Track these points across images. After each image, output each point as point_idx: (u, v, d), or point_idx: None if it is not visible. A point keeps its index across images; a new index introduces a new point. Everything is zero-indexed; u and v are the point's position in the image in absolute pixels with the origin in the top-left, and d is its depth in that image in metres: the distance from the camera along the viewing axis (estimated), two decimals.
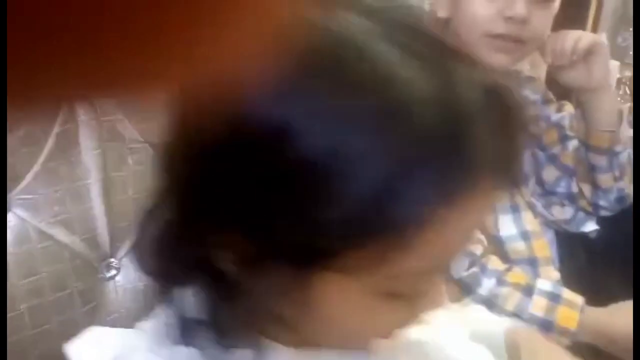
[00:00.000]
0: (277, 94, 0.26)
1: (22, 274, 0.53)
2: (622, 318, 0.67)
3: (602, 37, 0.76)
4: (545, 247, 0.79)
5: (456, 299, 0.66)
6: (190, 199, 0.30)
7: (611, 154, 0.77)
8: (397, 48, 0.27)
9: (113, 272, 0.60)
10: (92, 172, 0.54)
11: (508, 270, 0.70)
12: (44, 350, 0.56)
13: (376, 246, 0.27)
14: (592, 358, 0.67)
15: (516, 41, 0.69)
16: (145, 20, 0.11)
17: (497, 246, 0.74)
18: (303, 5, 0.28)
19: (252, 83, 0.26)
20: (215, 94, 0.28)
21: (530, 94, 0.84)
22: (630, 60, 1.77)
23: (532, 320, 0.67)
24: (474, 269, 0.68)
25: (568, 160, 0.82)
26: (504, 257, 0.74)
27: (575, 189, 0.82)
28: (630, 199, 0.81)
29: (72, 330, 0.57)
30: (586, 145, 0.77)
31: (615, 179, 0.78)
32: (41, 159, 0.51)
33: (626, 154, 0.78)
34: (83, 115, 0.53)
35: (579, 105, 0.78)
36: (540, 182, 0.83)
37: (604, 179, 0.78)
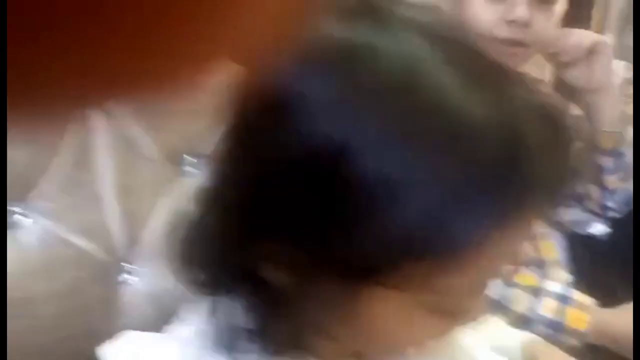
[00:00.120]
0: (339, 112, 0.27)
1: (42, 280, 0.54)
2: (632, 319, 0.68)
3: (606, 37, 0.77)
4: (553, 249, 0.80)
5: None
6: (244, 210, 0.30)
7: (617, 154, 0.77)
8: (458, 71, 0.28)
9: (129, 277, 0.61)
10: (109, 180, 0.56)
11: (515, 272, 0.71)
12: (64, 354, 0.57)
13: (428, 264, 0.28)
14: None
15: (519, 44, 0.70)
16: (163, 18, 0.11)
17: None
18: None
19: (314, 98, 0.27)
20: (271, 103, 0.29)
21: None
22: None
23: (542, 322, 0.68)
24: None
25: (576, 162, 0.82)
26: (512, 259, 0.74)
27: (584, 190, 0.83)
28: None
29: (91, 334, 0.58)
30: (592, 146, 0.78)
31: (622, 180, 0.79)
32: (60, 167, 0.53)
33: (631, 154, 0.79)
34: (100, 124, 0.55)
35: (584, 106, 0.79)
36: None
37: (611, 180, 0.79)
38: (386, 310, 0.30)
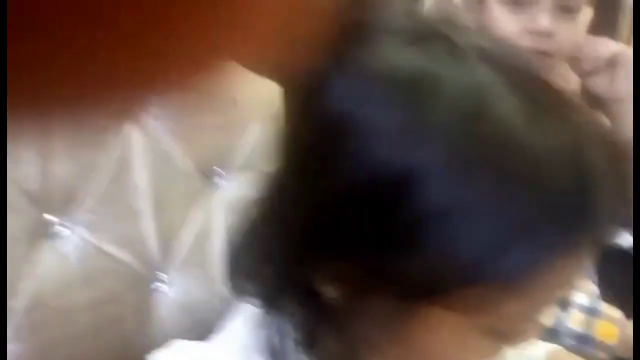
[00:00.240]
0: (404, 139, 0.28)
1: (81, 289, 0.57)
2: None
3: (627, 48, 0.77)
4: None
5: None
6: (304, 226, 0.31)
7: None
8: (523, 100, 0.28)
9: (164, 287, 0.63)
10: (145, 193, 0.58)
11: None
12: None
13: (488, 288, 0.28)
14: None
15: (543, 54, 0.71)
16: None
17: None
18: None
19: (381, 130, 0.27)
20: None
21: None
22: None
23: (569, 334, 0.67)
24: None
25: None
26: None
27: None
28: None
29: (126, 343, 0.61)
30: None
31: None
32: (99, 182, 0.55)
33: None
34: (137, 140, 0.57)
35: (608, 114, 0.79)
36: None
37: None
38: (440, 331, 0.31)
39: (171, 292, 0.64)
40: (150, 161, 0.58)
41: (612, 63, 0.75)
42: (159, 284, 0.62)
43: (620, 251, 0.84)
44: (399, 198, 0.27)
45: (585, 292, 0.73)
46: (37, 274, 0.54)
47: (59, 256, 0.55)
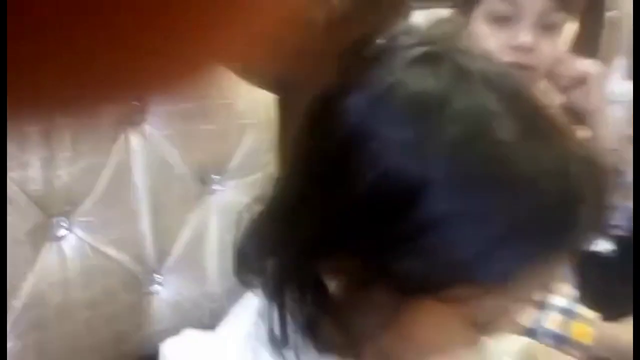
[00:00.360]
0: (410, 153, 0.30)
1: (79, 288, 0.58)
2: (633, 324, 0.70)
3: (596, 66, 0.81)
4: None
5: None
6: (313, 223, 0.33)
7: (618, 172, 0.81)
8: (519, 123, 0.31)
9: (158, 287, 0.65)
10: (143, 197, 0.60)
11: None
12: (96, 358, 0.61)
13: (475, 286, 0.31)
14: None
15: (524, 68, 0.74)
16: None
17: None
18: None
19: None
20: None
21: None
22: None
23: (547, 335, 0.70)
24: None
25: None
26: None
27: None
28: None
29: (122, 340, 0.63)
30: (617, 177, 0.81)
31: (623, 198, 0.82)
32: (100, 185, 0.57)
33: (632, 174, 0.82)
34: (137, 146, 0.60)
35: (588, 126, 0.83)
36: None
37: (614, 197, 0.82)
38: (429, 322, 0.34)
39: (165, 292, 0.66)
40: (148, 166, 0.60)
41: (584, 80, 0.78)
42: (153, 284, 0.64)
43: (598, 256, 0.87)
44: (403, 204, 0.30)
45: (563, 295, 0.77)
46: (37, 273, 0.55)
47: (59, 256, 0.57)
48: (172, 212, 0.63)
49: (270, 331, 0.36)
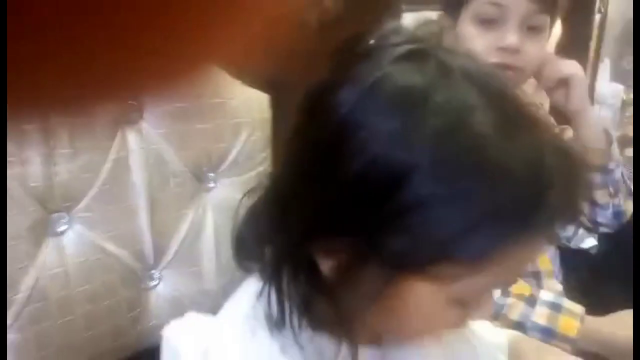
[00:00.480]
0: (397, 141, 0.33)
1: (79, 282, 0.60)
2: (621, 326, 0.72)
3: (578, 68, 0.83)
4: (547, 261, 0.85)
5: None
6: (306, 211, 0.35)
7: (604, 171, 0.83)
8: (498, 116, 0.34)
9: (155, 282, 0.67)
10: (141, 194, 0.62)
11: (513, 282, 0.76)
12: (94, 352, 0.63)
13: (456, 263, 0.34)
14: None
15: (511, 69, 0.76)
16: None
17: None
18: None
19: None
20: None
21: None
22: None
23: (535, 328, 0.72)
24: None
25: None
26: None
27: None
28: (628, 216, 0.86)
29: (120, 334, 0.64)
30: (593, 170, 0.83)
31: (611, 196, 0.84)
32: (99, 182, 0.59)
33: (619, 171, 0.84)
34: (134, 144, 0.61)
35: (571, 125, 0.85)
36: None
37: (600, 195, 0.84)
38: (415, 300, 0.36)
39: (162, 288, 0.67)
40: (145, 163, 0.62)
41: (566, 82, 0.81)
42: (151, 280, 0.66)
43: (584, 253, 0.90)
44: (390, 188, 0.33)
45: (551, 289, 0.79)
46: (38, 268, 0.57)
47: (59, 251, 0.58)
48: (169, 209, 0.65)
49: (268, 312, 0.38)
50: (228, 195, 0.69)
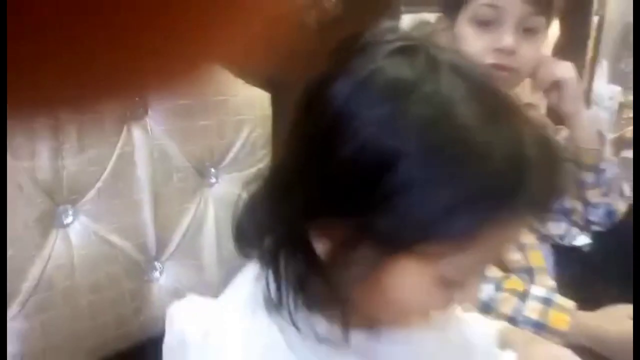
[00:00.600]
0: (387, 129, 0.35)
1: (84, 273, 0.62)
2: (612, 321, 0.74)
3: (571, 70, 0.85)
4: (540, 258, 0.87)
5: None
6: (302, 194, 0.38)
7: (597, 170, 0.85)
8: (480, 106, 0.36)
9: (157, 274, 0.69)
10: (145, 188, 0.64)
11: (506, 278, 0.78)
12: (98, 340, 0.65)
13: (442, 243, 0.36)
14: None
15: (507, 69, 0.78)
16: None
17: None
18: None
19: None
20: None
21: None
22: (632, 84, 1.84)
23: (527, 322, 0.74)
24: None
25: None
26: (503, 266, 0.81)
27: (569, 205, 0.90)
28: (619, 215, 0.88)
29: (122, 323, 0.66)
30: (575, 163, 0.85)
31: (603, 195, 0.86)
32: (104, 176, 0.61)
33: (612, 171, 0.86)
34: (139, 139, 0.63)
35: (566, 125, 0.87)
36: None
37: (593, 195, 0.86)
38: (403, 277, 0.38)
39: (165, 279, 0.69)
40: (149, 158, 0.64)
41: (559, 85, 0.83)
42: (153, 271, 0.68)
43: (576, 250, 0.92)
44: (380, 171, 0.35)
45: (543, 285, 0.81)
46: (45, 258, 0.59)
47: (65, 243, 0.60)
48: (172, 203, 0.67)
49: (267, 294, 0.40)
50: (229, 190, 0.71)
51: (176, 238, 0.68)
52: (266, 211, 0.40)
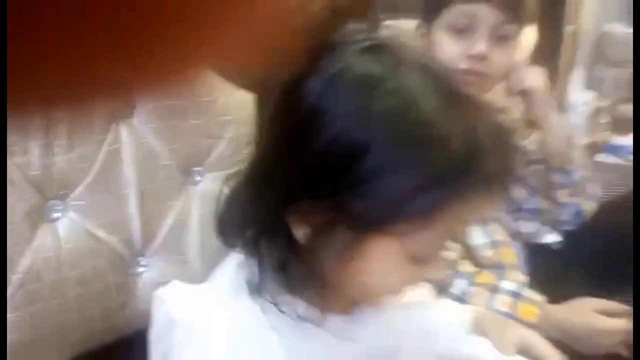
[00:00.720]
0: (356, 121, 0.39)
1: (70, 266, 0.64)
2: (577, 313, 0.78)
3: (539, 77, 0.89)
4: (512, 254, 0.90)
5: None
6: (282, 181, 0.41)
7: (565, 172, 0.89)
8: (442, 99, 0.40)
9: (143, 268, 0.71)
10: (131, 184, 0.66)
11: (478, 273, 0.82)
12: (85, 332, 0.67)
13: (410, 221, 0.40)
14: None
15: (479, 75, 0.82)
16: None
17: (470, 253, 0.86)
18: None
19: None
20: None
21: None
22: (606, 92, 1.91)
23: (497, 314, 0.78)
24: (449, 272, 0.79)
25: (533, 181, 0.94)
26: (476, 262, 0.85)
27: (540, 205, 0.94)
28: (587, 215, 0.93)
29: (108, 317, 0.68)
30: (546, 165, 0.89)
31: (572, 195, 0.91)
32: (92, 172, 0.63)
33: (579, 173, 0.91)
34: (126, 137, 0.65)
35: (539, 129, 0.91)
36: (509, 200, 0.95)
37: (562, 195, 0.90)
38: (377, 256, 0.42)
39: (149, 274, 0.71)
40: (136, 156, 0.66)
41: (527, 92, 0.87)
42: (139, 265, 0.70)
43: (547, 248, 0.96)
44: (351, 159, 0.39)
45: (514, 280, 0.85)
46: (34, 251, 0.61)
47: (54, 237, 0.62)
48: (157, 200, 0.69)
49: (249, 279, 0.43)
50: (213, 188, 0.73)
51: (161, 233, 0.70)
52: (248, 201, 0.43)
